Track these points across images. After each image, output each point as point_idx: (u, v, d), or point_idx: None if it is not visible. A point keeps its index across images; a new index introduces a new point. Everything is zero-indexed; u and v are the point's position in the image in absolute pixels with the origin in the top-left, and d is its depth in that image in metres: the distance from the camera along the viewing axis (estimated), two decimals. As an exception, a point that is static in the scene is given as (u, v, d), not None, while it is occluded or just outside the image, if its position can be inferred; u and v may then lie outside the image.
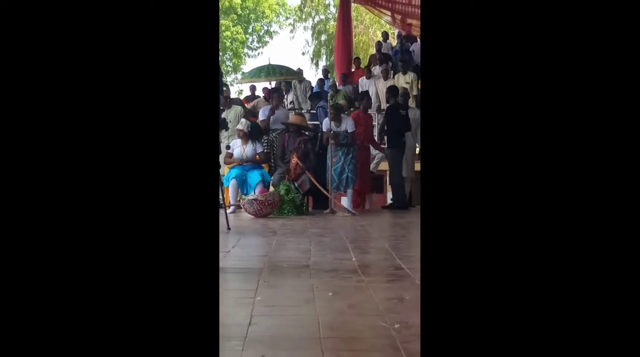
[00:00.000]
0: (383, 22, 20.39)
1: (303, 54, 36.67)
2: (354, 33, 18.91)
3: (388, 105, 10.59)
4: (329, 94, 12.42)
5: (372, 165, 11.07)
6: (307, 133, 9.64)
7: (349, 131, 9.29)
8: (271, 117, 9.83)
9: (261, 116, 9.97)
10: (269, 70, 13.87)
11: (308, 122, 10.78)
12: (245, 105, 11.51)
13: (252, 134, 9.23)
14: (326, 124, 9.46)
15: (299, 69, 14.60)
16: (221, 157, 8.69)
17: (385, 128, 10.11)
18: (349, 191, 9.46)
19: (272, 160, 9.75)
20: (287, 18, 30.84)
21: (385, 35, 16.49)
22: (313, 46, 28.00)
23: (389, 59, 14.16)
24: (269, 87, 13.43)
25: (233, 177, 9.00)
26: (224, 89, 10.68)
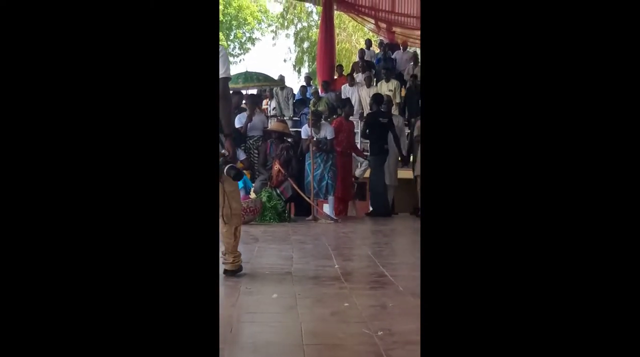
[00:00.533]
0: (366, 29, 20.45)
1: (285, 61, 36.84)
2: (336, 40, 18.95)
3: (367, 112, 10.60)
4: (311, 101, 12.42)
5: (358, 172, 11.08)
6: (289, 140, 9.62)
7: (328, 138, 9.29)
8: (248, 124, 9.76)
9: (237, 123, 9.89)
10: (247, 77, 13.82)
11: (291, 129, 10.75)
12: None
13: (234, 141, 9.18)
14: (305, 130, 9.45)
15: (280, 76, 14.59)
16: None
17: (367, 133, 10.12)
18: (330, 198, 9.46)
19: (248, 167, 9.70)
20: (269, 25, 30.87)
21: (369, 43, 16.54)
22: (295, 53, 28.05)
23: (371, 67, 14.19)
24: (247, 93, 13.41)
25: (215, 184, 8.94)
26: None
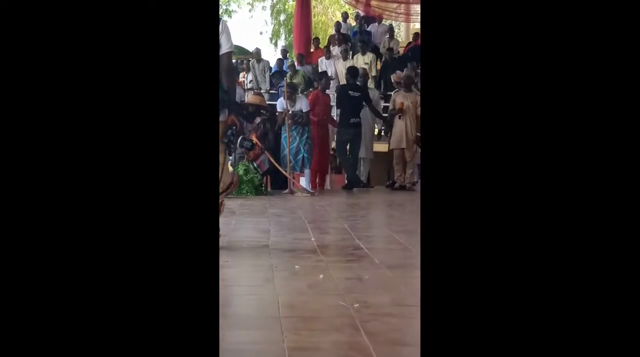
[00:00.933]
0: (342, 2, 20.32)
1: (261, 33, 36.49)
2: (313, 13, 18.83)
3: (338, 85, 10.61)
4: (287, 74, 12.38)
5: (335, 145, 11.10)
6: (265, 113, 9.59)
7: (303, 111, 9.27)
8: (223, 97, 9.67)
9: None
10: (221, 49, 13.72)
11: (268, 102, 10.72)
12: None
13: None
14: (281, 103, 9.42)
15: (257, 48, 14.50)
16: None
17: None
18: (307, 171, 9.46)
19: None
20: (245, -3, 30.53)
21: (345, 16, 16.46)
22: (272, 26, 27.81)
23: (348, 40, 14.15)
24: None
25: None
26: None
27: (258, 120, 9.39)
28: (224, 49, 4.12)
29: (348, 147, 10.23)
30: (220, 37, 4.11)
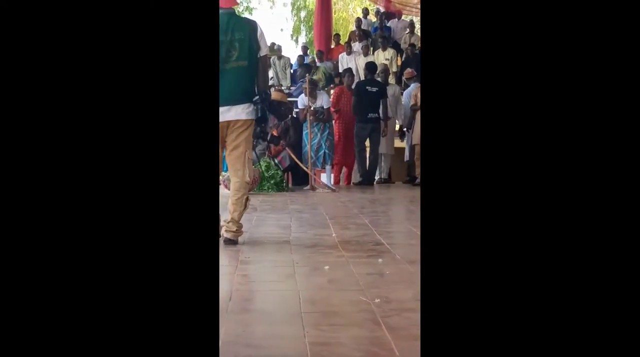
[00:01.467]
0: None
1: (282, 30, 36.52)
2: (333, 9, 18.81)
3: (358, 81, 10.57)
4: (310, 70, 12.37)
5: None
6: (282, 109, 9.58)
7: (324, 107, 9.26)
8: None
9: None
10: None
11: (289, 99, 10.71)
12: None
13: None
14: (302, 100, 9.42)
15: (278, 45, 14.51)
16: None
17: (357, 101, 10.07)
18: (328, 167, 9.45)
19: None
20: (266, -6, 30.52)
21: (366, 12, 16.43)
22: (292, 22, 27.82)
23: (368, 36, 14.12)
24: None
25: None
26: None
27: (290, 116, 9.40)
28: (263, 51, 4.52)
29: (367, 143, 10.17)
30: (259, 41, 4.48)
